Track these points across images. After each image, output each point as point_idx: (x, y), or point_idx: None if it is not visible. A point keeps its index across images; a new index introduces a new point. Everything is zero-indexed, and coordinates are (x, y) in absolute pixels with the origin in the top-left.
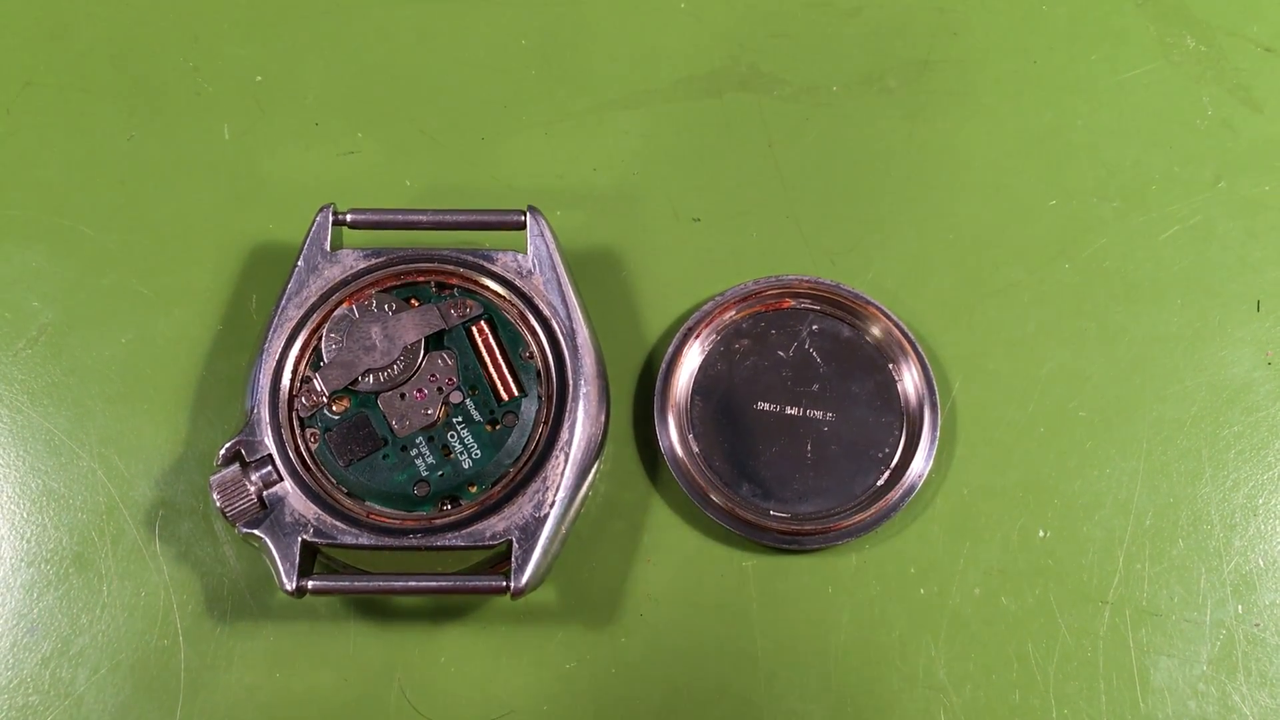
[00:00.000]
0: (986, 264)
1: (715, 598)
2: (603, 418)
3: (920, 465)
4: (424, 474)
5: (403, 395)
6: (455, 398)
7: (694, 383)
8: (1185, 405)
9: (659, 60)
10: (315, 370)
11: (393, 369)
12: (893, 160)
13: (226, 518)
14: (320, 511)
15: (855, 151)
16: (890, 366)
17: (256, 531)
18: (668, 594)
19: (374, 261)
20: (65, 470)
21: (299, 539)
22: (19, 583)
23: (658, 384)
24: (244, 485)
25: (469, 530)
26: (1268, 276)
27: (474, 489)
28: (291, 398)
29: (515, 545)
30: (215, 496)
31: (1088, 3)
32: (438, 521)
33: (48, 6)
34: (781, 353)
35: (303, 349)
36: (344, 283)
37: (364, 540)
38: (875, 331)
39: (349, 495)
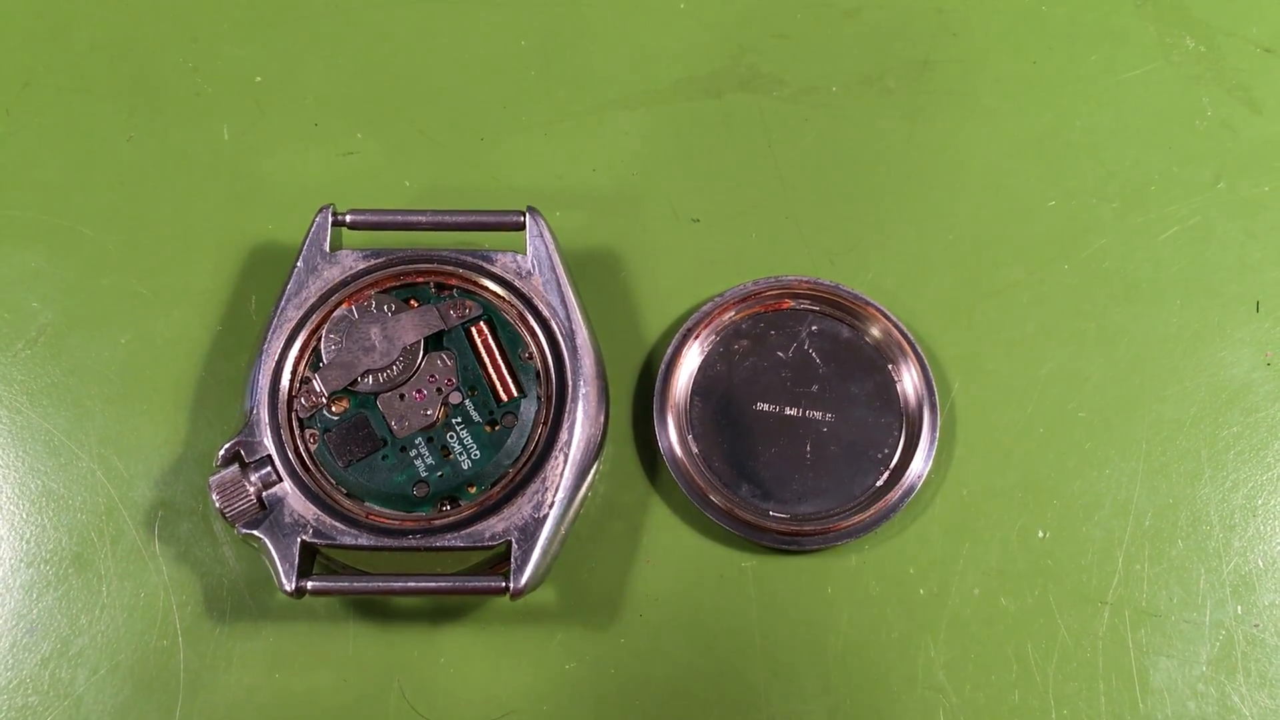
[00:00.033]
0: (986, 265)
1: (715, 598)
2: (602, 418)
3: (919, 466)
4: (423, 475)
5: (402, 396)
6: (454, 398)
7: (693, 383)
8: (1184, 406)
9: (659, 61)
10: (314, 371)
11: (392, 370)
12: (892, 161)
13: (226, 518)
14: (319, 512)
15: (855, 152)
16: (890, 367)
17: (256, 532)
18: (667, 594)
19: (373, 262)
20: (64, 471)
21: (298, 540)
22: (18, 583)
23: (657, 385)
24: (243, 486)
25: (468, 531)
26: (1267, 277)
27: (473, 490)
28: (291, 398)
29: (514, 546)
30: (214, 497)
31: (1087, 3)
32: (437, 522)
33: (47, 6)
34: (781, 353)
35: (302, 350)
36: (343, 283)
37: (363, 541)
38: (875, 332)
39: (348, 496)
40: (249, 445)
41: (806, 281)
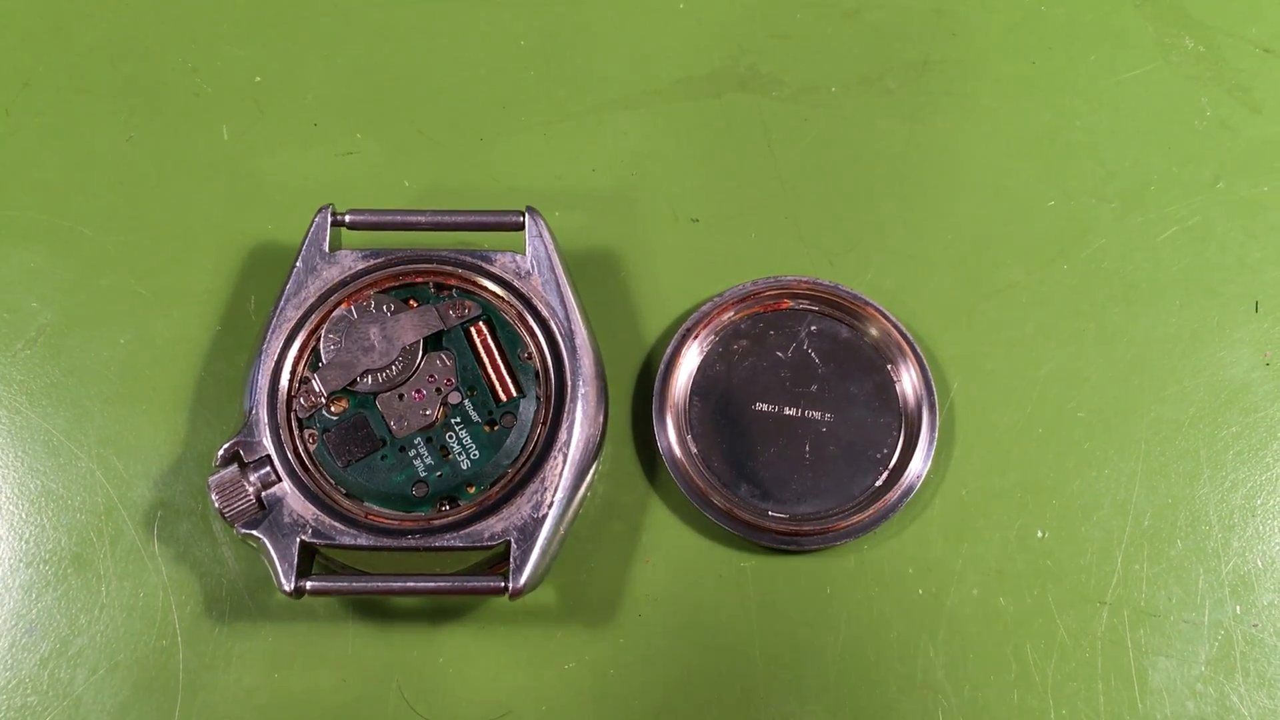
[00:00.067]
0: (985, 265)
1: (714, 598)
2: (601, 418)
3: (918, 466)
4: (422, 475)
5: (401, 396)
6: (454, 398)
7: (692, 383)
8: (1184, 406)
9: (658, 61)
10: (314, 371)
11: (391, 370)
12: (892, 161)
13: (225, 518)
14: (318, 512)
15: (854, 152)
16: (889, 367)
17: (255, 532)
18: (666, 594)
19: (372, 262)
20: (64, 471)
21: (297, 540)
22: (17, 583)
23: (656, 385)
24: (242, 486)
25: (467, 531)
26: (1266, 277)
27: (472, 490)
28: (290, 398)
29: (514, 546)
30: (214, 497)
31: (1086, 3)
32: (436, 522)
33: (47, 6)
34: (780, 353)
35: (301, 350)
36: (342, 283)
37: (362, 541)
38: (874, 332)
39: (347, 496)
40: (248, 445)
41: (806, 282)
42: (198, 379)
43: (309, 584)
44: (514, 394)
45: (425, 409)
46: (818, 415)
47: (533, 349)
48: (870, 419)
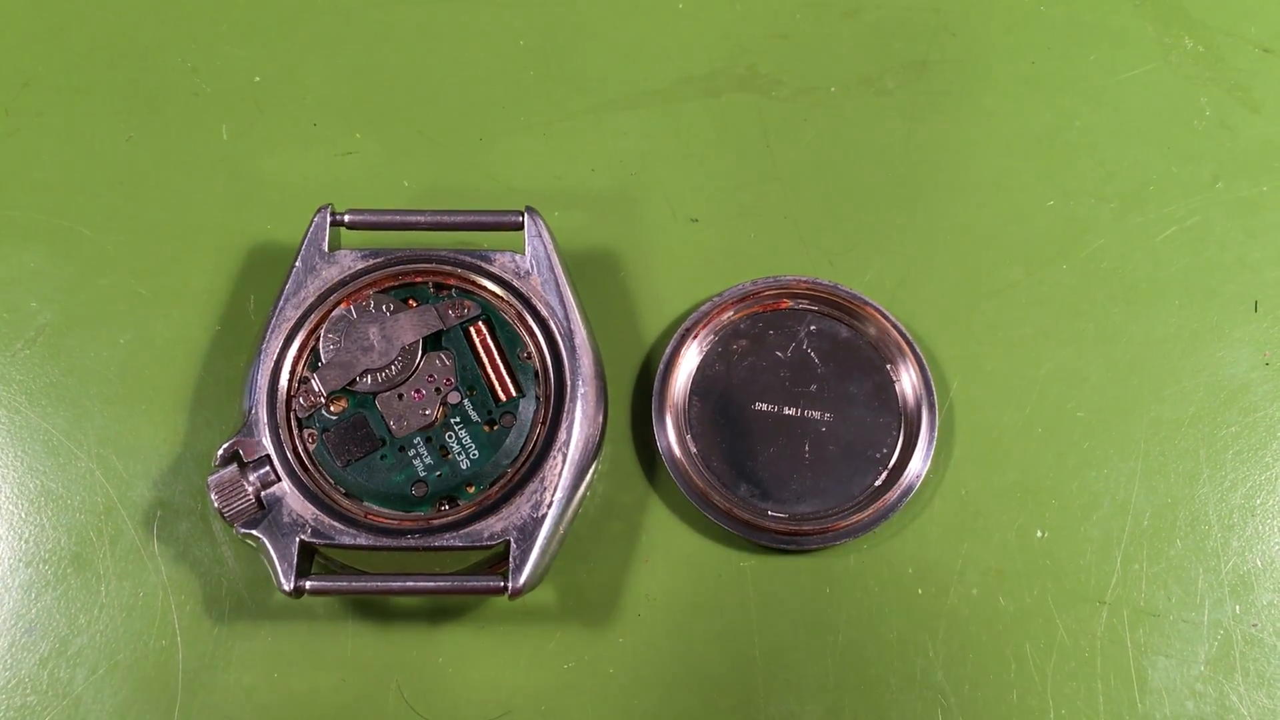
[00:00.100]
0: (985, 265)
1: (713, 598)
2: (600, 418)
3: (918, 466)
4: (422, 474)
5: (400, 396)
6: (453, 398)
7: (692, 383)
8: (1183, 406)
9: (657, 61)
10: (313, 371)
11: (390, 369)
12: (891, 161)
13: (224, 518)
14: (318, 512)
15: (853, 152)
16: (888, 367)
17: (254, 532)
18: (666, 594)
19: (372, 262)
20: (63, 471)
21: (297, 539)
22: (17, 583)
23: (656, 384)
24: (242, 486)
25: (467, 530)
26: (1266, 277)
27: (472, 489)
28: (289, 398)
29: (513, 545)
30: (213, 497)
31: (1086, 3)
32: (435, 522)
33: (47, 7)
34: (779, 353)
35: (300, 349)
36: (342, 283)
37: (362, 541)
38: (873, 332)
39: (347, 496)
40: (247, 445)
41: (805, 281)
42: (197, 379)
43: (308, 584)
44: (513, 394)
45: (425, 409)
46: (817, 415)
47: (532, 349)
48: (870, 419)
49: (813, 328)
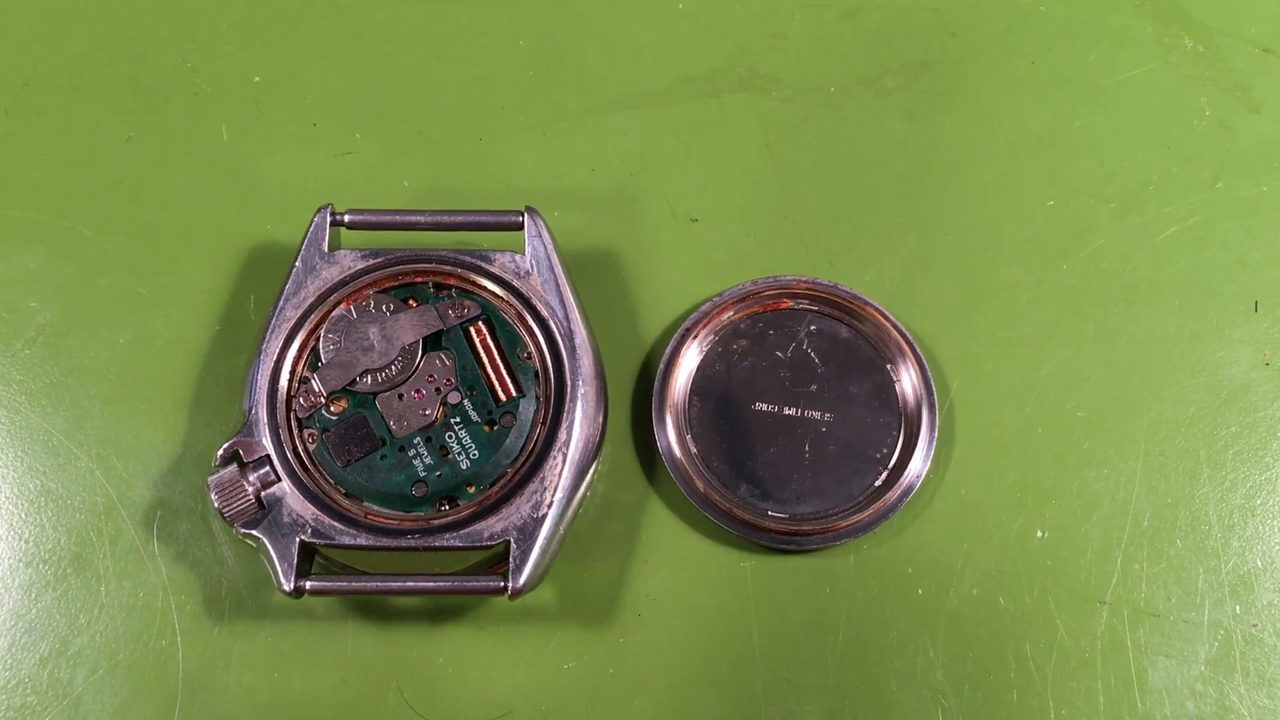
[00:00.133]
0: (984, 265)
1: (713, 598)
2: (601, 418)
3: (918, 466)
4: (422, 474)
5: (400, 396)
6: (453, 398)
7: (692, 383)
8: (1183, 406)
9: (657, 61)
10: (313, 371)
11: (390, 370)
12: (891, 161)
13: (224, 518)
14: (318, 512)
15: (853, 152)
16: (888, 367)
17: (254, 532)
18: (666, 594)
19: (372, 262)
20: (63, 471)
21: (297, 539)
22: (17, 583)
23: (656, 384)
24: (242, 486)
25: (467, 531)
26: (1266, 277)
27: (472, 489)
28: (289, 398)
29: (513, 546)
30: (213, 497)
31: (1086, 3)
32: (435, 522)
33: (46, 7)
34: (779, 353)
35: (301, 349)
36: (342, 283)
37: (362, 541)
38: (873, 332)
39: (347, 496)
40: (247, 445)
41: (805, 281)
42: (197, 379)
43: (308, 584)
44: (513, 394)
45: (425, 409)
46: (817, 415)
47: (532, 349)
48: (870, 419)
49: (813, 328)
